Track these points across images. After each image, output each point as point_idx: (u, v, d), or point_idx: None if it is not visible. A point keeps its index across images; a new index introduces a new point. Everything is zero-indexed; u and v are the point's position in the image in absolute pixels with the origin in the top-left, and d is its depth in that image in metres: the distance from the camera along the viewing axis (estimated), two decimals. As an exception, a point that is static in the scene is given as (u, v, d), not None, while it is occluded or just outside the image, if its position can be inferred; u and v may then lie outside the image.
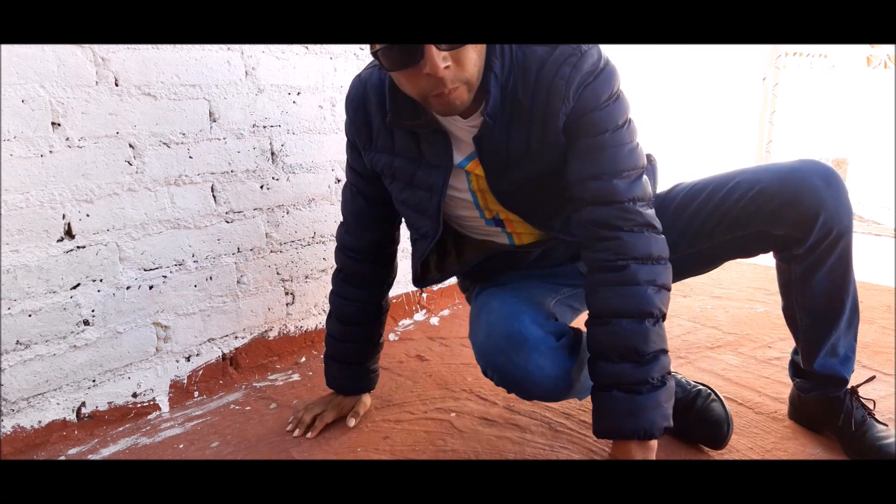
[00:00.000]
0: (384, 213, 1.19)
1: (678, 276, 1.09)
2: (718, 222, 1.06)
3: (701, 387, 1.23)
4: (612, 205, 0.94)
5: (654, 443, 0.96)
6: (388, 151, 1.05)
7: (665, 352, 0.95)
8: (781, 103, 3.33)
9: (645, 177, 0.97)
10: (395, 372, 1.56)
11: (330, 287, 1.30)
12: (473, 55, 0.85)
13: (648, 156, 1.08)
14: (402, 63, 0.83)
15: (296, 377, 1.55)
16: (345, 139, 1.16)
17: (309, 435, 1.26)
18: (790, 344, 1.22)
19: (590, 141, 0.93)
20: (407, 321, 1.90)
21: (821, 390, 1.15)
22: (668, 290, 0.97)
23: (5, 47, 1.09)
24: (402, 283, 1.89)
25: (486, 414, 1.35)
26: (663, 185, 1.18)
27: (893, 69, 5.30)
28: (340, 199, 1.24)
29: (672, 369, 1.00)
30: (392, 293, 1.85)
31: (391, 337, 1.79)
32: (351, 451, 1.22)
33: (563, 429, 1.28)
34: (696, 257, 1.12)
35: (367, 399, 1.35)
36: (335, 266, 1.28)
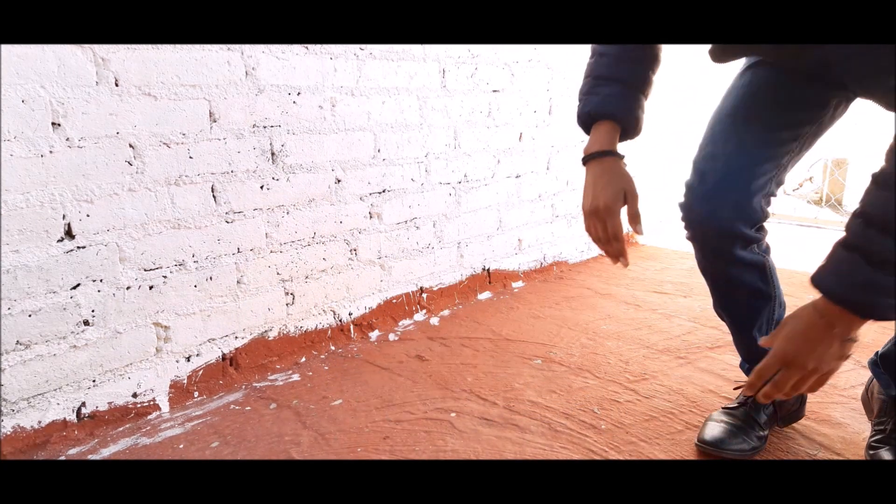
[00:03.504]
0: None
1: None
2: None
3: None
4: None
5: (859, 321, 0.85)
6: None
7: None
8: (781, 103, 3.31)
9: None
10: (394, 372, 1.56)
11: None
12: None
13: None
14: None
15: (296, 377, 1.56)
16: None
17: (622, 264, 1.08)
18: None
19: None
20: (407, 321, 1.90)
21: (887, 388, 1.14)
22: None
23: (5, 47, 1.09)
24: (402, 283, 1.89)
25: (486, 414, 1.35)
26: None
27: (893, 69, 5.28)
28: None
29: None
30: (392, 293, 1.87)
31: (391, 337, 1.79)
32: (351, 451, 1.22)
33: (563, 429, 1.28)
34: None
35: (633, 179, 1.09)
36: None
